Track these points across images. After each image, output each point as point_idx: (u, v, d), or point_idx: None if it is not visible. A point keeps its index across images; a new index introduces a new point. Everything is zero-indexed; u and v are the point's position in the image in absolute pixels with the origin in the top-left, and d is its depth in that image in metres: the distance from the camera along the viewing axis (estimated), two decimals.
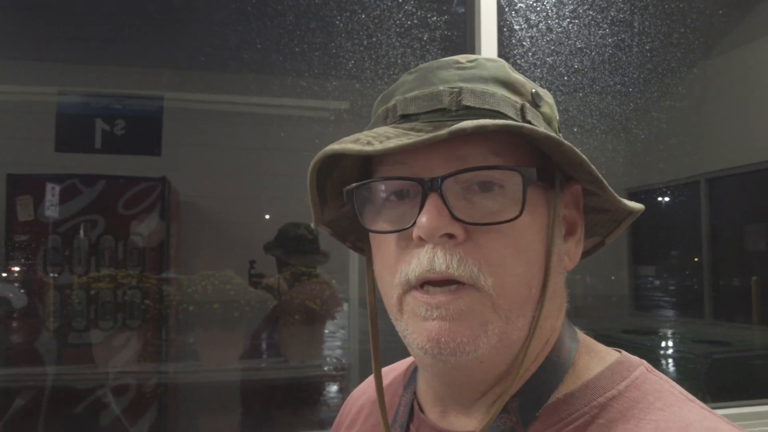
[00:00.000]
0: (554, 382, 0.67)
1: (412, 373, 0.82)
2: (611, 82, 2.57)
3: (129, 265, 3.02)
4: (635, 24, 2.35)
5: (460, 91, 0.64)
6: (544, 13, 2.15)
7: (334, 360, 2.89)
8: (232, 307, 2.64)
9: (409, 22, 2.12)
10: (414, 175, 0.63)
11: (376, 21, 2.15)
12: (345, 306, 2.88)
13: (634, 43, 2.44)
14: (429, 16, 2.12)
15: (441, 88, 0.65)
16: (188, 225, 3.67)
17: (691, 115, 4.24)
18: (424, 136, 0.59)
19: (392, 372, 0.88)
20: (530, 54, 2.15)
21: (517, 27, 2.08)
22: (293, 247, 2.76)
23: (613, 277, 5.14)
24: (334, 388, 2.81)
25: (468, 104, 0.64)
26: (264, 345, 2.88)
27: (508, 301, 0.63)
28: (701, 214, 4.70)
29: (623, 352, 0.72)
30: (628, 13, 2.30)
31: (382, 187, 0.67)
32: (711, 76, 4.28)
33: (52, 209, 2.97)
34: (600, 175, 0.65)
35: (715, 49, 4.06)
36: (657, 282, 5.45)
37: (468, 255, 0.61)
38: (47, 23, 3.10)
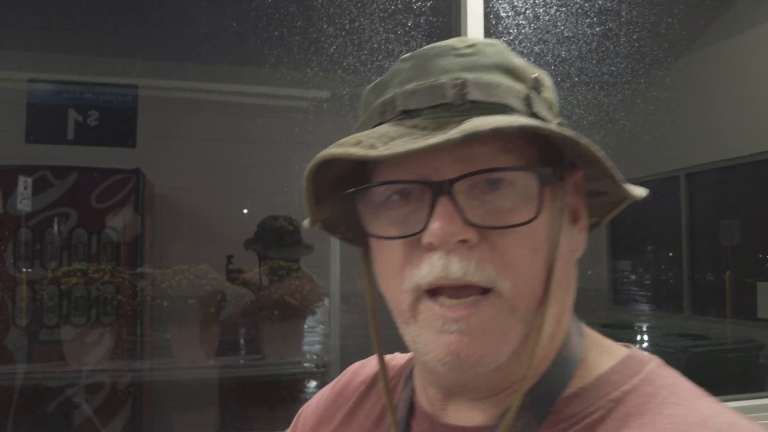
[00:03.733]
0: (565, 378, 0.65)
1: (410, 369, 0.79)
2: (599, 72, 2.55)
3: (102, 259, 2.95)
4: (623, 13, 2.32)
5: (464, 84, 0.61)
6: (531, 0, 2.11)
7: (314, 357, 2.83)
8: (208, 303, 2.57)
9: (392, 7, 2.05)
10: (419, 176, 0.61)
11: (358, 5, 2.09)
12: (326, 301, 2.82)
13: (622, 33, 2.41)
14: (413, 1, 2.06)
15: (442, 80, 0.62)
16: (163, 219, 3.59)
17: (673, 109, 4.25)
18: (433, 139, 0.55)
19: (392, 362, 0.85)
20: (517, 42, 2.11)
21: (503, 14, 2.03)
22: (273, 240, 2.69)
23: (589, 272, 5.18)
24: (313, 385, 2.75)
25: (474, 98, 0.60)
26: (241, 341, 2.82)
27: (525, 301, 0.61)
28: (681, 209, 4.73)
29: (632, 347, 0.70)
30: (615, 2, 2.27)
31: (383, 189, 0.63)
32: (694, 69, 4.29)
33: (22, 202, 2.88)
34: (615, 170, 0.62)
35: (699, 41, 4.07)
36: (635, 276, 5.50)
37: (484, 259, 0.59)
38: (17, 11, 2.99)
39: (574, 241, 0.68)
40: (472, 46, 0.65)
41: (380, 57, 2.13)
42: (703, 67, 4.17)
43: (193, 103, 3.59)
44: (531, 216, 0.59)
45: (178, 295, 2.50)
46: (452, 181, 0.58)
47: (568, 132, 0.58)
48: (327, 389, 0.88)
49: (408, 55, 0.68)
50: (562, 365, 0.66)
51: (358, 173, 0.69)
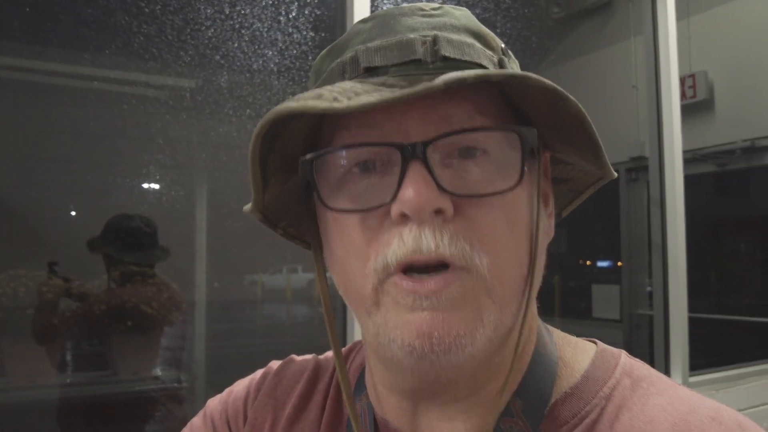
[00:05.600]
0: (551, 377, 0.61)
1: (360, 376, 0.71)
2: None
3: None
4: (497, 24, 2.39)
5: (435, 40, 0.56)
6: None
7: (174, 370, 2.60)
8: (50, 313, 2.25)
9: None
10: (387, 140, 0.54)
11: None
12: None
13: None
14: None
15: (411, 36, 0.56)
16: None
17: None
18: (408, 89, 0.48)
19: (327, 367, 0.76)
20: None
21: None
22: (128, 242, 2.42)
23: None
24: (174, 401, 2.52)
25: (447, 55, 0.55)
26: (89, 356, 2.52)
27: (503, 282, 0.55)
28: None
29: (598, 341, 0.69)
30: (492, 12, 2.32)
31: (344, 158, 0.56)
32: (559, 82, 4.63)
33: None
34: (599, 138, 0.58)
35: (565, 54, 4.32)
36: None
37: (459, 232, 0.53)
38: None
39: (546, 225, 0.64)
40: (438, 8, 0.61)
41: (262, 46, 2.00)
42: (567, 79, 4.48)
43: (26, 88, 3.17)
44: (512, 183, 0.55)
45: (14, 304, 2.18)
46: (426, 143, 0.53)
47: (556, 85, 0.53)
48: (240, 390, 0.77)
49: (368, 16, 0.62)
50: (544, 364, 0.62)
51: (314, 143, 0.61)
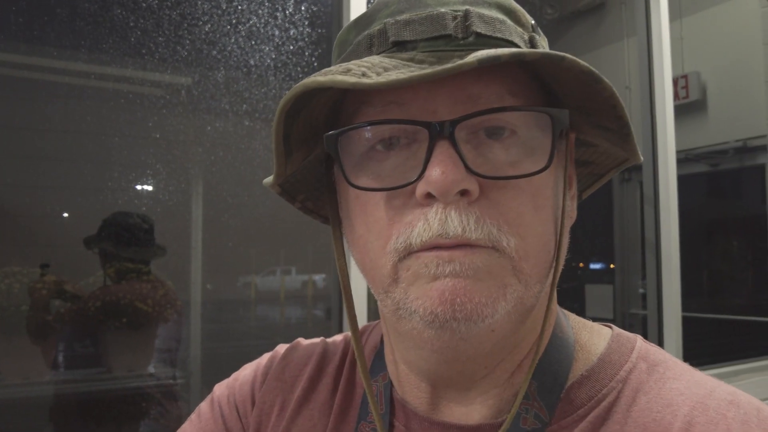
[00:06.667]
0: (568, 360, 0.61)
1: (375, 358, 0.70)
2: None
3: None
4: None
5: (467, 15, 0.54)
6: None
7: (170, 368, 2.59)
8: (44, 310, 2.24)
9: None
10: (412, 118, 0.52)
11: None
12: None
13: None
14: None
15: (442, 10, 0.54)
16: None
17: None
18: (440, 67, 0.47)
19: (335, 351, 0.75)
20: None
21: None
22: (125, 239, 2.41)
23: None
24: (169, 397, 2.51)
25: (478, 31, 0.53)
26: (83, 353, 2.50)
27: (530, 265, 0.54)
28: None
29: (613, 326, 0.68)
30: None
31: (368, 134, 0.54)
32: None
33: None
34: (630, 121, 0.57)
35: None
36: None
37: (485, 214, 0.52)
38: None
39: (570, 208, 0.63)
40: None
41: (258, 41, 1.99)
42: None
43: (20, 85, 3.15)
44: (541, 166, 0.53)
45: (9, 301, 2.16)
46: (455, 123, 0.51)
47: (591, 67, 0.51)
48: (247, 374, 0.76)
49: None
50: (561, 347, 0.61)
51: (336, 117, 0.60)
